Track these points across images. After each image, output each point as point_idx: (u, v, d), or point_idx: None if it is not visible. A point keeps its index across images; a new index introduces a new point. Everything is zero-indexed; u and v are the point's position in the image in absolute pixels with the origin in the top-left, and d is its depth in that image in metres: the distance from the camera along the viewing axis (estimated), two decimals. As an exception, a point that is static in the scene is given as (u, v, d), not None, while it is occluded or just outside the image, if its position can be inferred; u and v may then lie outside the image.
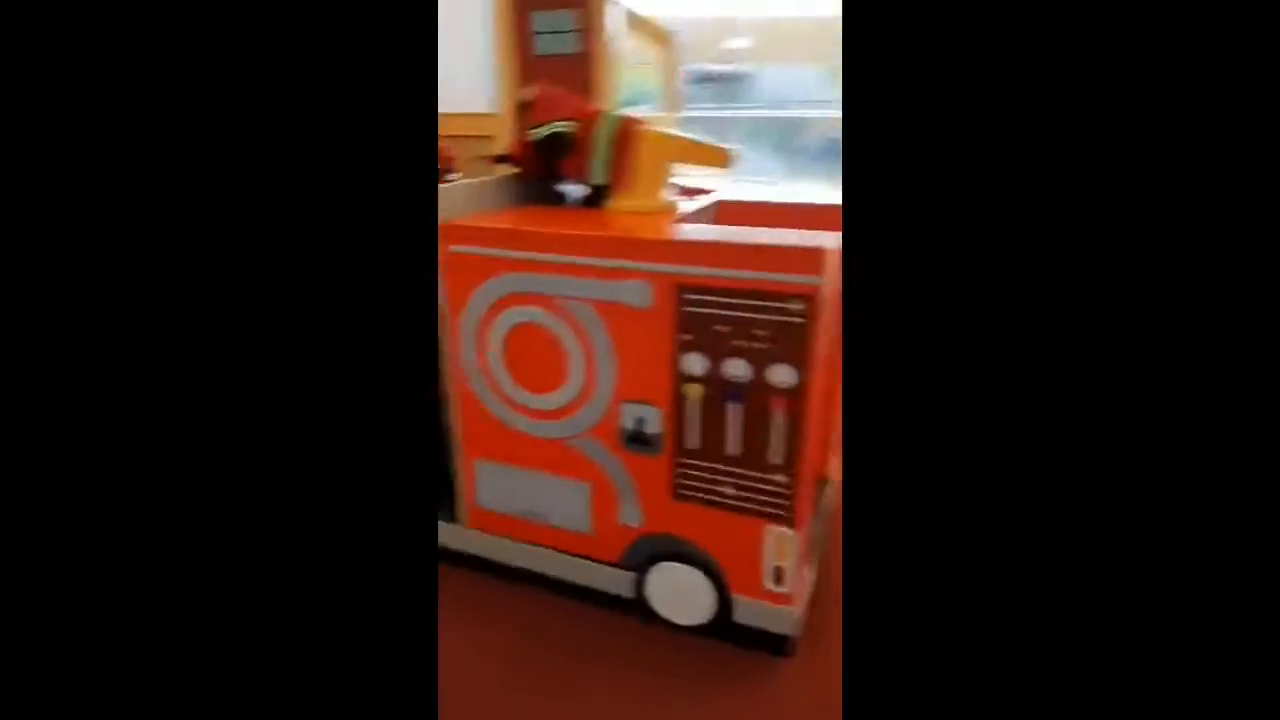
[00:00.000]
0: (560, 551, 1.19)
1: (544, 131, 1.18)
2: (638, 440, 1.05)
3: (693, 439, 1.01)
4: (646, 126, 1.17)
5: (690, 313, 0.95)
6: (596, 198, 1.22)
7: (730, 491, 1.02)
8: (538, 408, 1.11)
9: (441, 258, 1.09)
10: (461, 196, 1.13)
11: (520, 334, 1.07)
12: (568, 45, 1.56)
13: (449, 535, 1.28)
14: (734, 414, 0.97)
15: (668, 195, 1.21)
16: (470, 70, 1.96)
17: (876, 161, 0.35)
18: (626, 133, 1.16)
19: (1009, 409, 0.34)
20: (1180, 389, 0.32)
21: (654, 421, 1.03)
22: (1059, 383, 0.33)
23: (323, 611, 0.37)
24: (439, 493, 1.31)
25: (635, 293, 0.97)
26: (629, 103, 1.86)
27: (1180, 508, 0.32)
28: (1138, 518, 0.32)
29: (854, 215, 0.37)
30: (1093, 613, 0.33)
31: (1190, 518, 0.32)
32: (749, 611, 1.08)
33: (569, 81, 1.50)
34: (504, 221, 1.08)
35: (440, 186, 1.09)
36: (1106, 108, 0.32)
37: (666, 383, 1.00)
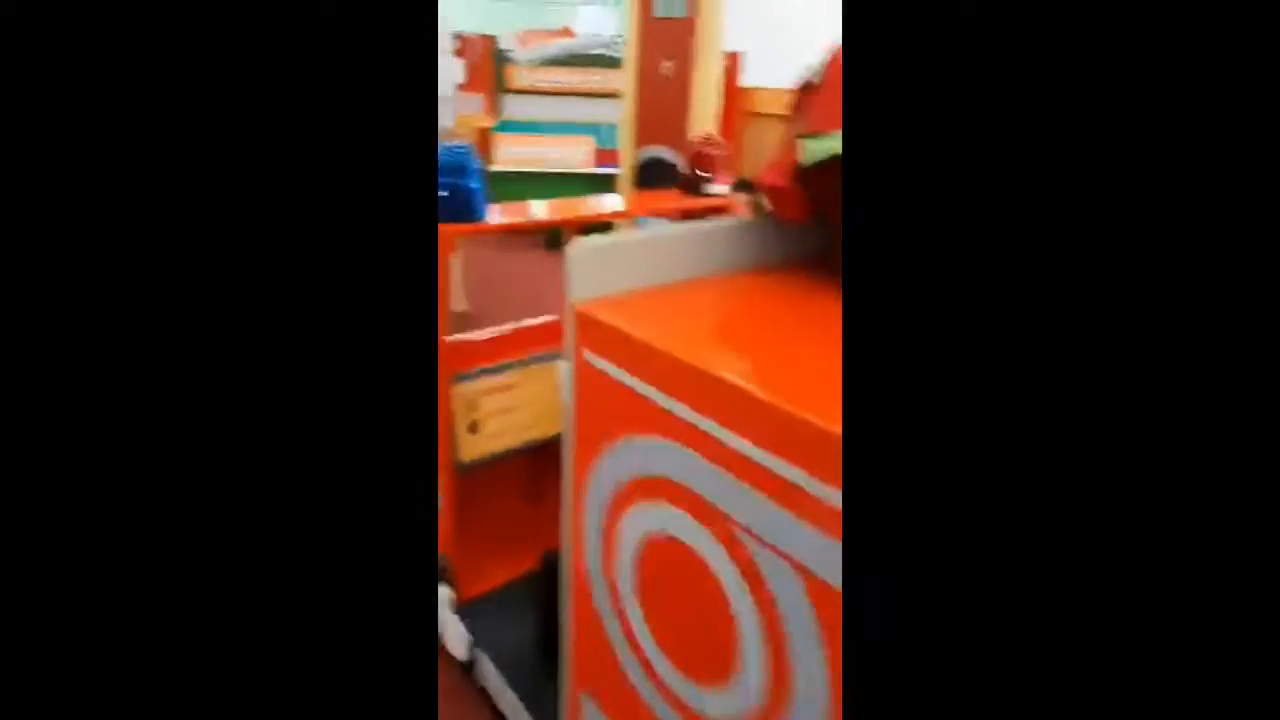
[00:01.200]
0: None
1: (820, 149, 0.59)
2: None
3: None
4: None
5: None
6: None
7: None
8: (681, 694, 0.56)
9: (577, 366, 0.60)
10: (619, 256, 0.60)
11: (660, 553, 0.53)
12: None
13: None
14: None
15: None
16: (830, 34, 1.41)
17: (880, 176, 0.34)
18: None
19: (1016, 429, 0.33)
20: (1181, 391, 0.31)
21: None
22: (1059, 388, 0.32)
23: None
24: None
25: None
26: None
27: (1181, 511, 0.31)
28: (1138, 522, 0.31)
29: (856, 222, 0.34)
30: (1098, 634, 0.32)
31: (1191, 521, 0.31)
32: None
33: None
34: (656, 319, 0.54)
35: (590, 240, 0.59)
36: (1107, 110, 0.32)
37: None
